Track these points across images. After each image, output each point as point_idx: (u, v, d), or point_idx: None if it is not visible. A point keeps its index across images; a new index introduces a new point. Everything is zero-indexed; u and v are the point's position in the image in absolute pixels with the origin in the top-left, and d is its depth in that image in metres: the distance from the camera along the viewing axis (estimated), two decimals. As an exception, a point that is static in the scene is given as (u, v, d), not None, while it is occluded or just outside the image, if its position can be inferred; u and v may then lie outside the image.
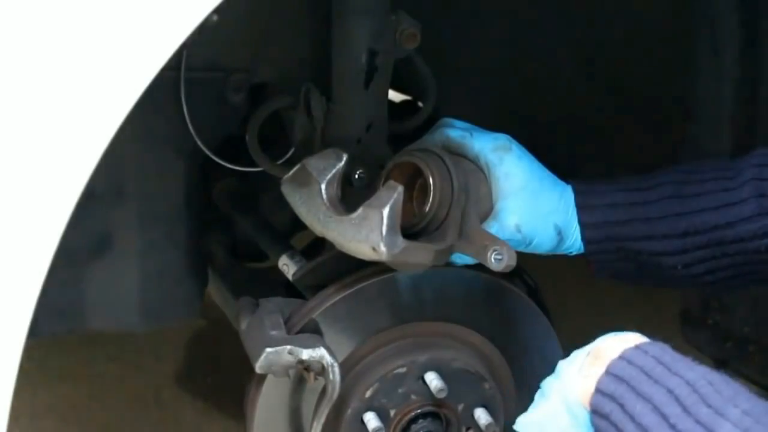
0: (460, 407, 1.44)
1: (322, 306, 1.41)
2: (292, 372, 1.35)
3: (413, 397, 1.42)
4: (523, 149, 1.38)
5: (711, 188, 1.34)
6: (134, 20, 1.02)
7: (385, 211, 1.27)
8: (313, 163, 1.36)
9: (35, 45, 1.01)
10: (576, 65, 1.86)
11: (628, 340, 1.13)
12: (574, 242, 1.40)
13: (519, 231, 1.36)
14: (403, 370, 1.41)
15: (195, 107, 1.43)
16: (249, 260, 1.80)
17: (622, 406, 1.07)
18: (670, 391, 1.03)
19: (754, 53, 1.70)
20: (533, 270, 1.55)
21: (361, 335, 1.43)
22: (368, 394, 1.41)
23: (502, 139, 1.38)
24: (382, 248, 1.27)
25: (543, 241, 1.38)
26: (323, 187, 1.33)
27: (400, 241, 1.28)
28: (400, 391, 1.42)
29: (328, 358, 1.33)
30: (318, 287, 1.44)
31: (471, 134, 1.39)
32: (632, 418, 1.05)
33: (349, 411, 1.41)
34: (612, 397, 1.08)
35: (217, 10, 1.06)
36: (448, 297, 1.46)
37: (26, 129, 1.02)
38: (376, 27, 1.37)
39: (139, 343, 2.66)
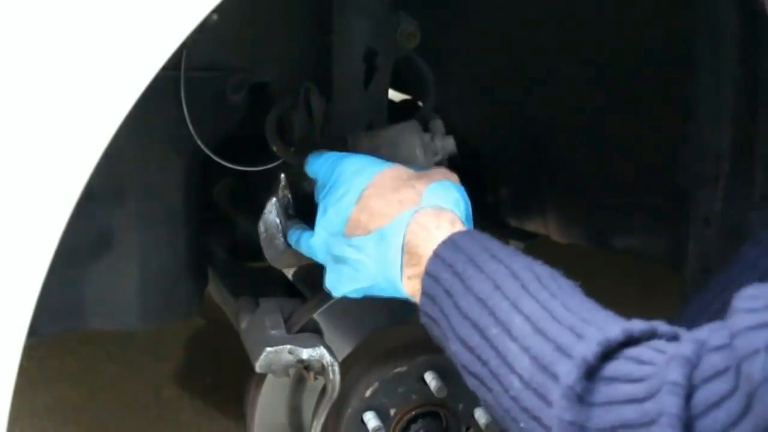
0: (460, 407, 1.44)
1: (322, 305, 1.41)
2: (292, 371, 1.35)
3: (413, 396, 1.42)
4: None
5: None
6: (134, 20, 1.02)
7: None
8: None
9: (35, 45, 1.01)
10: (575, 65, 1.86)
11: (440, 226, 1.12)
12: None
13: None
14: (403, 369, 1.41)
15: (195, 107, 1.43)
16: (249, 260, 1.80)
17: (444, 317, 1.07)
18: (479, 299, 1.02)
19: (754, 53, 1.70)
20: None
21: (361, 334, 1.43)
22: (368, 393, 1.41)
23: None
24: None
25: None
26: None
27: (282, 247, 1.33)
28: (400, 390, 1.42)
29: (327, 358, 1.33)
30: (318, 286, 1.44)
31: None
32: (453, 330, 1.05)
33: (349, 410, 1.41)
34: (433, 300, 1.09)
35: (217, 10, 1.06)
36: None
37: (26, 129, 1.02)
38: (375, 26, 1.37)
39: (139, 343, 2.66)
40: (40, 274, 1.04)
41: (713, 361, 0.82)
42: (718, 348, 0.82)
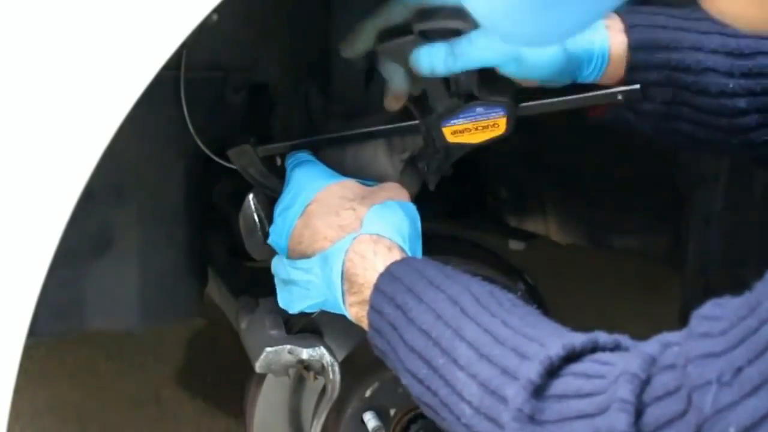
0: (460, 407, 1.44)
1: (322, 306, 1.41)
2: (291, 371, 1.35)
3: (413, 396, 1.42)
4: None
5: None
6: (134, 20, 1.02)
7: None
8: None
9: (35, 45, 1.01)
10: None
11: (377, 252, 1.13)
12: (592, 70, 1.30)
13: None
14: (403, 369, 1.41)
15: (195, 107, 1.43)
16: (249, 260, 1.80)
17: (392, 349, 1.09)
18: (422, 331, 1.04)
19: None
20: (533, 269, 1.55)
21: (361, 334, 1.43)
22: (368, 393, 1.41)
23: None
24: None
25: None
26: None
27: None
28: (400, 390, 1.41)
29: (327, 358, 1.33)
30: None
31: None
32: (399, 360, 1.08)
33: (349, 410, 1.41)
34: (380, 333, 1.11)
35: (217, 10, 1.06)
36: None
37: (26, 129, 1.03)
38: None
39: (139, 343, 2.65)
40: (40, 274, 1.04)
41: (664, 380, 0.83)
42: (670, 367, 0.83)
